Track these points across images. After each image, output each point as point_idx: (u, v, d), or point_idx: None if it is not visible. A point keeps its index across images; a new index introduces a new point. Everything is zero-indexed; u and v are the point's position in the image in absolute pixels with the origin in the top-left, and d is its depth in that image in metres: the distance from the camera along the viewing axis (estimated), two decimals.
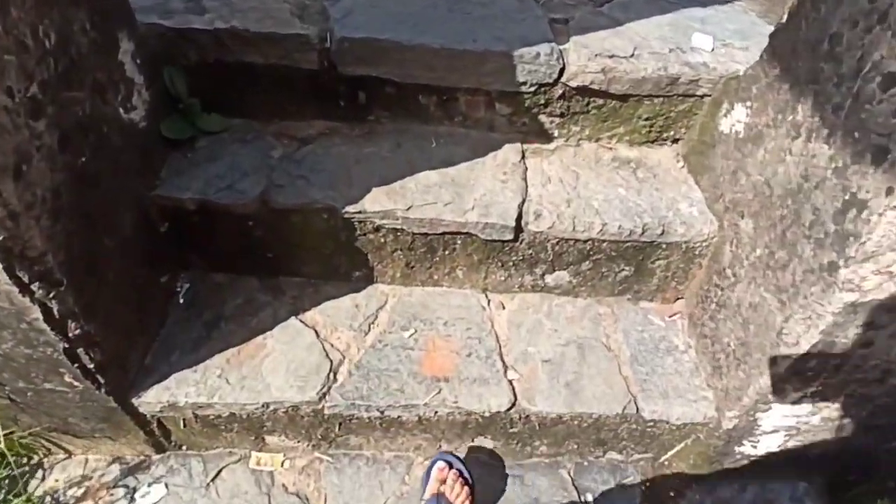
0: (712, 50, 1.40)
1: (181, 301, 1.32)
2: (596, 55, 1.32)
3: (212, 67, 1.32)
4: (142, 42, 1.17)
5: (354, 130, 1.43)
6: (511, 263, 1.35)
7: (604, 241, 1.28)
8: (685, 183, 1.40)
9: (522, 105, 1.41)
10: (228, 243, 1.31)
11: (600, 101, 1.40)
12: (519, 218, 1.26)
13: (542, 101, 1.40)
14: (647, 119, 1.43)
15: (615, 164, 1.43)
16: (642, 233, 1.27)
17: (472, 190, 1.29)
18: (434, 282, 1.41)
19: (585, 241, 1.28)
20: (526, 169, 1.38)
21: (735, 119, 1.25)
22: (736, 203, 1.22)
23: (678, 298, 1.45)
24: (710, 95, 1.36)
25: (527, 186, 1.33)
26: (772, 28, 1.18)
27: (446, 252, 1.33)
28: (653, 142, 1.49)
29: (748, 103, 1.21)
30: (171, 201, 1.20)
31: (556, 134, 1.47)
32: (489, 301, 1.41)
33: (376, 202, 1.24)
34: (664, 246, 1.30)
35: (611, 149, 1.48)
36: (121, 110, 1.09)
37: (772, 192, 1.10)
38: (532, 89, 1.36)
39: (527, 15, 1.45)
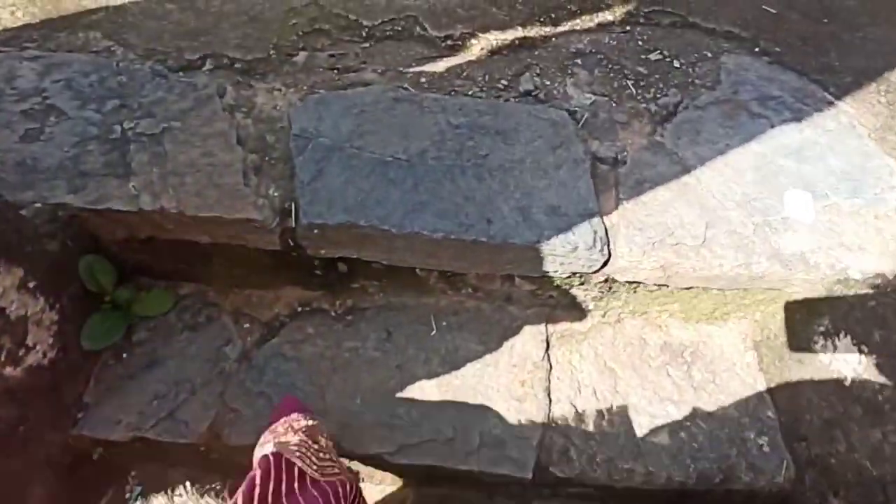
0: (812, 222, 1.03)
1: None
2: (653, 243, 0.98)
3: (146, 242, 1.01)
4: (37, 253, 0.87)
5: (335, 305, 1.13)
6: (524, 487, 1.09)
7: (643, 489, 1.01)
8: (753, 389, 1.09)
9: (550, 283, 1.08)
10: (181, 458, 1.07)
11: (654, 287, 1.07)
12: (539, 460, 0.99)
13: (578, 283, 1.07)
14: (711, 303, 1.10)
15: (664, 358, 1.12)
16: (696, 482, 1.00)
17: (479, 417, 1.01)
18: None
19: (620, 490, 1.01)
20: (550, 369, 1.09)
21: (840, 356, 0.92)
22: (826, 469, 0.93)
23: None
24: (802, 295, 1.02)
25: (550, 404, 1.04)
26: (892, 162, 0.83)
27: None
28: (716, 318, 1.16)
29: (865, 349, 0.88)
30: (98, 441, 0.96)
31: (591, 307, 1.15)
32: None
33: (357, 442, 0.97)
34: (721, 492, 1.03)
35: (660, 327, 1.16)
36: (7, 370, 0.81)
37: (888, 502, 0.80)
38: (565, 275, 1.04)
39: (562, 155, 1.08)
